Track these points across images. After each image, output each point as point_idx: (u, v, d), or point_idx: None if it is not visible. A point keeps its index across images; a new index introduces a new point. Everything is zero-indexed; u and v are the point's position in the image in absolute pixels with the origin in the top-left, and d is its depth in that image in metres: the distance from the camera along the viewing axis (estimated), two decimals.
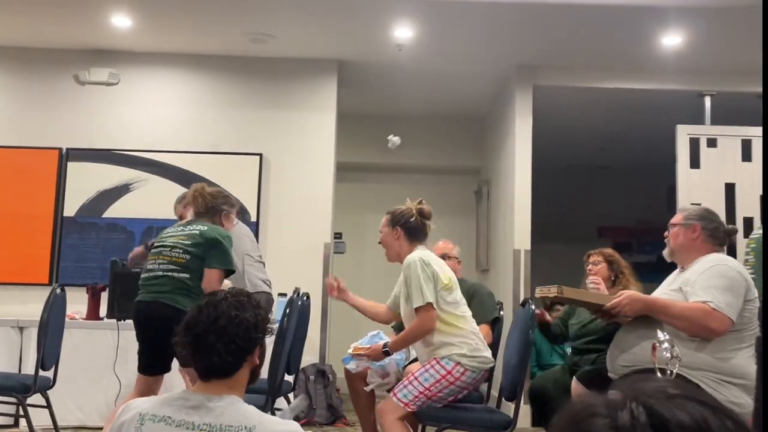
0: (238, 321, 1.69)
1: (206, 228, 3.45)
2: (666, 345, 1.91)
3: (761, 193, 5.40)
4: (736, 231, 3.26)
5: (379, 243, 3.47)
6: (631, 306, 2.86)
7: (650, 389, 0.67)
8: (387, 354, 3.33)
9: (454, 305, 3.22)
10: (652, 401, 0.65)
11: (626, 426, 0.64)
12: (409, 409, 3.12)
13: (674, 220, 3.09)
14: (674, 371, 1.89)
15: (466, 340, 3.17)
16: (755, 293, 2.84)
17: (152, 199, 5.65)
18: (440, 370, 3.13)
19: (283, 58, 5.84)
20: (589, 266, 4.06)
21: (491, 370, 3.83)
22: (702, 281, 2.81)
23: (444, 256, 4.17)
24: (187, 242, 3.42)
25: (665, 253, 3.11)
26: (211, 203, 3.54)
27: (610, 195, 8.60)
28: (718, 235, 3.04)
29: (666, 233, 3.10)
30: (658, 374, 1.91)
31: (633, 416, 0.65)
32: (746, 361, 2.78)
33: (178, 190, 5.66)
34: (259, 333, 1.73)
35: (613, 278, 3.98)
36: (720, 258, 2.93)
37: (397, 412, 3.10)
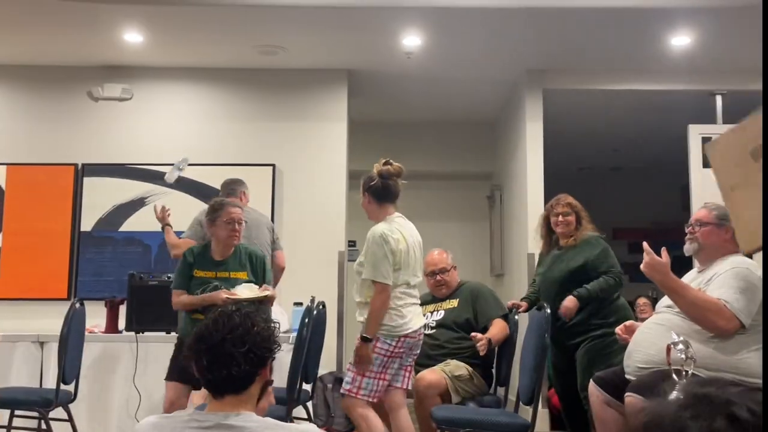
0: (256, 330, 1.68)
1: None
2: (680, 346, 1.91)
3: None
4: None
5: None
6: (651, 273, 2.82)
7: (738, 392, 0.70)
8: (368, 340, 3.33)
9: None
10: (744, 397, 0.69)
11: (749, 419, 0.66)
12: (358, 396, 3.27)
13: (704, 217, 3.03)
14: (689, 372, 1.90)
15: None
16: None
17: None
18: None
19: (294, 69, 5.89)
20: (559, 217, 4.14)
21: (506, 373, 3.85)
22: (721, 280, 2.81)
23: (432, 273, 4.21)
24: None
25: (689, 248, 3.06)
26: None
27: (623, 196, 8.57)
28: None
29: (690, 228, 3.06)
30: (674, 376, 1.92)
31: (751, 411, 0.66)
32: (760, 362, 2.77)
33: (193, 202, 5.72)
34: (273, 344, 1.72)
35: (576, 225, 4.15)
36: (742, 261, 2.92)
37: (354, 405, 3.28)
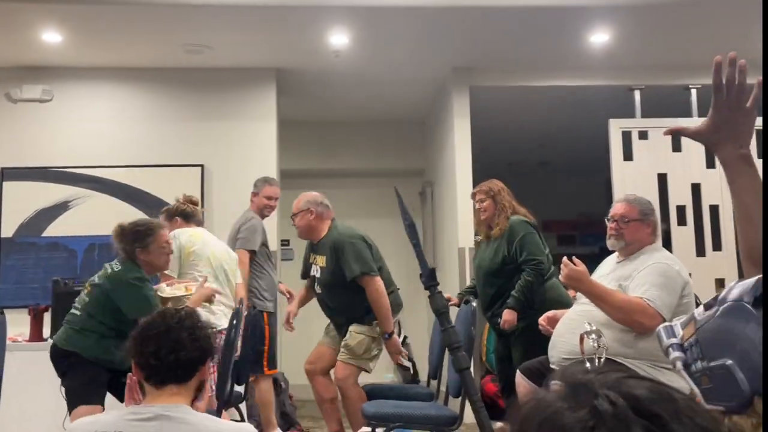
0: (200, 325, 1.78)
1: None
2: (593, 336, 1.99)
3: (762, 187, 5.55)
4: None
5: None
6: (572, 283, 2.93)
7: (608, 378, 0.70)
8: None
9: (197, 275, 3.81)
10: (616, 386, 0.69)
11: (608, 411, 0.66)
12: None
13: (627, 213, 3.07)
14: (602, 359, 1.98)
15: None
16: (690, 288, 2.96)
17: (93, 216, 5.57)
18: None
19: (221, 68, 5.82)
20: (477, 204, 4.22)
21: (438, 365, 3.91)
22: (642, 277, 2.91)
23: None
24: None
25: (614, 244, 3.11)
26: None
27: (552, 190, 8.78)
28: (659, 225, 3.17)
29: (615, 225, 3.09)
30: (587, 364, 1.99)
31: (612, 402, 0.67)
32: None
33: (119, 205, 5.61)
34: (213, 345, 1.79)
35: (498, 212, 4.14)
36: (661, 256, 3.03)
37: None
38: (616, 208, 3.16)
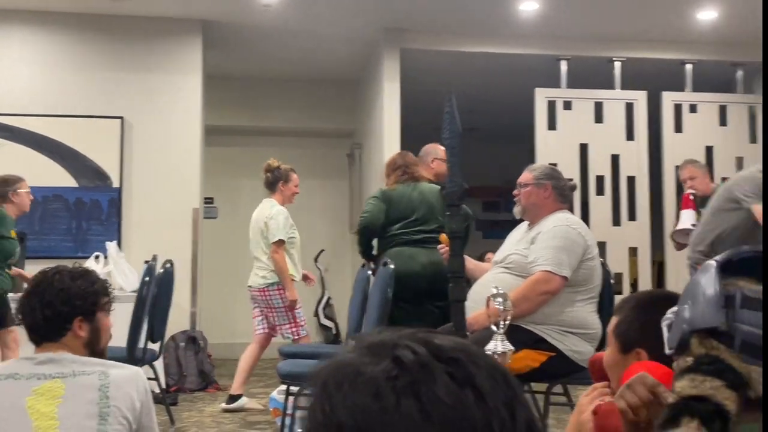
0: (61, 288, 1.77)
1: None
2: (499, 299, 2.02)
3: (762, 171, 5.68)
4: (575, 187, 3.43)
5: None
6: (478, 322, 2.84)
7: (405, 333, 0.71)
8: None
9: None
10: (415, 338, 0.69)
11: (411, 359, 0.67)
12: None
13: (524, 179, 3.17)
14: (507, 322, 2.02)
15: None
16: (594, 252, 3.04)
17: (5, 167, 5.31)
18: None
19: (145, 17, 5.61)
20: None
21: (356, 325, 3.95)
22: (542, 239, 2.98)
23: None
24: None
25: (516, 211, 3.22)
26: None
27: (478, 156, 8.86)
28: (565, 192, 3.23)
29: (516, 191, 3.20)
30: (493, 327, 2.03)
31: (414, 351, 0.67)
32: (586, 314, 2.98)
33: (33, 156, 5.40)
34: (79, 301, 1.78)
35: None
36: (564, 218, 3.10)
37: None
38: (520, 176, 3.26)
